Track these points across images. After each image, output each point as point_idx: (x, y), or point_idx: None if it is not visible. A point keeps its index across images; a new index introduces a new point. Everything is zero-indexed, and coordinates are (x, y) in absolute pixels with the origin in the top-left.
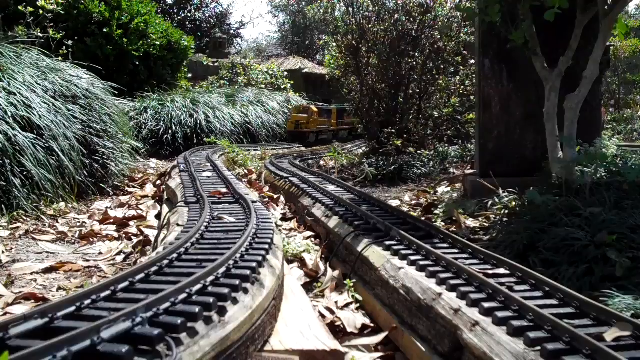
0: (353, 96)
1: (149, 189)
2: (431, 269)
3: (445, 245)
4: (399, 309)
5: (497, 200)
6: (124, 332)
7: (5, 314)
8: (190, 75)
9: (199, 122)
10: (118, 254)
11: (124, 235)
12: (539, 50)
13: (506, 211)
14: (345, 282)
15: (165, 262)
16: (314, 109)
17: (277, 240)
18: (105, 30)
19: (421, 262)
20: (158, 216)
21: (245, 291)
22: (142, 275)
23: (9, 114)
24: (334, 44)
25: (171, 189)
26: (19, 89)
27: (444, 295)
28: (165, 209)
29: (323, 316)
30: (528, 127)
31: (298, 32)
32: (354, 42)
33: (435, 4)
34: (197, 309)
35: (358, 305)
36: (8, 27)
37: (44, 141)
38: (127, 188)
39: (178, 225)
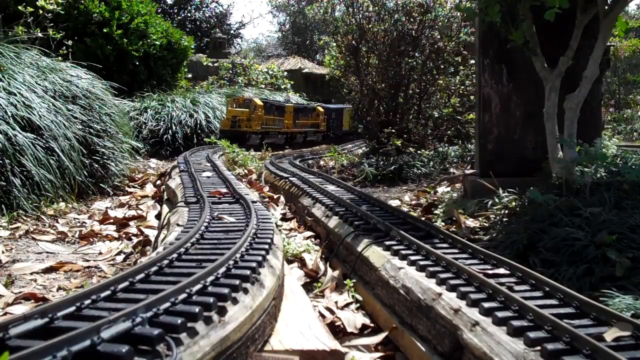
0: (353, 96)
1: (149, 189)
2: (431, 269)
3: (445, 245)
4: (399, 309)
5: (497, 200)
6: (124, 332)
7: (5, 314)
8: (190, 75)
9: (199, 122)
10: (118, 254)
11: (124, 235)
12: (539, 50)
13: (506, 211)
14: (345, 282)
15: (165, 262)
16: (258, 102)
17: (277, 240)
18: (105, 30)
19: (421, 262)
20: (158, 216)
21: (245, 291)
22: (142, 275)
23: (9, 114)
24: (334, 44)
25: (171, 189)
26: (19, 89)
27: (444, 295)
28: (165, 209)
29: (323, 316)
30: (528, 127)
31: (298, 32)
32: (354, 42)
33: (435, 4)
34: (197, 309)
35: (358, 305)
36: (8, 27)
37: (44, 141)
38: (127, 188)
39: (178, 225)
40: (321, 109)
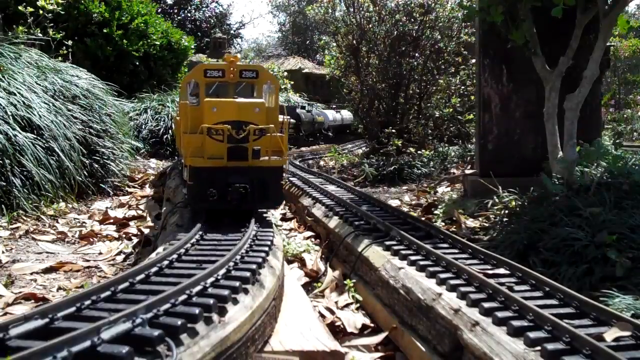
0: (353, 96)
1: (149, 189)
2: (431, 269)
3: (445, 245)
4: (399, 309)
5: (497, 200)
6: (124, 333)
7: (5, 314)
8: None
9: None
10: (118, 254)
11: (124, 235)
12: (539, 50)
13: (506, 211)
14: (345, 282)
15: (166, 262)
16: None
17: (277, 240)
18: (105, 30)
19: (421, 262)
20: (158, 216)
21: (246, 292)
22: (142, 276)
23: (9, 114)
24: (334, 44)
25: (171, 189)
26: (19, 89)
27: (444, 295)
28: (166, 209)
29: (323, 316)
30: (528, 127)
31: (298, 32)
32: (354, 42)
33: (435, 4)
34: (197, 310)
35: (358, 305)
36: (8, 27)
37: (44, 141)
38: (127, 188)
39: (178, 225)
40: None
